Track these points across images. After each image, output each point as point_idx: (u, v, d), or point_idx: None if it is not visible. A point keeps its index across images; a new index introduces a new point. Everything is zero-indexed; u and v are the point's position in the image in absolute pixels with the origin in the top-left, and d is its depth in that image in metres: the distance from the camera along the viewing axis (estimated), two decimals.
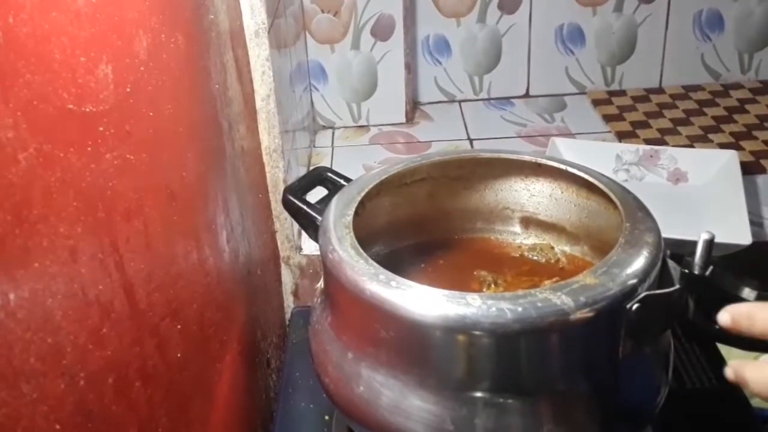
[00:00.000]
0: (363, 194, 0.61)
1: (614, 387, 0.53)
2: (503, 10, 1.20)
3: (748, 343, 0.47)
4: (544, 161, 0.66)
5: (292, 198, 0.65)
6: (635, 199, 0.59)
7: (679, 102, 1.21)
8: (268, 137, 0.82)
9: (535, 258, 0.68)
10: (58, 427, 0.36)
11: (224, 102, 0.68)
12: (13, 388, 0.33)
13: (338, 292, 0.56)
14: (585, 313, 0.48)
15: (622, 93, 1.25)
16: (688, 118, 1.17)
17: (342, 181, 0.67)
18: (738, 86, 1.24)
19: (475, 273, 0.65)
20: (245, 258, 0.74)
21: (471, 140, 1.16)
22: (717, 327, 0.50)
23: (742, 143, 1.09)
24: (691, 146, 1.09)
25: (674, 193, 0.98)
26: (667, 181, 1.00)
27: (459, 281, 0.64)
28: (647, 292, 0.50)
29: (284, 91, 0.88)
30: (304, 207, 0.64)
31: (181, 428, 0.54)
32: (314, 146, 1.16)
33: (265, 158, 0.83)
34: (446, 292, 0.50)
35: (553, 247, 0.69)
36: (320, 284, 0.62)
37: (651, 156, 1.01)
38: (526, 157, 0.67)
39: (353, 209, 0.59)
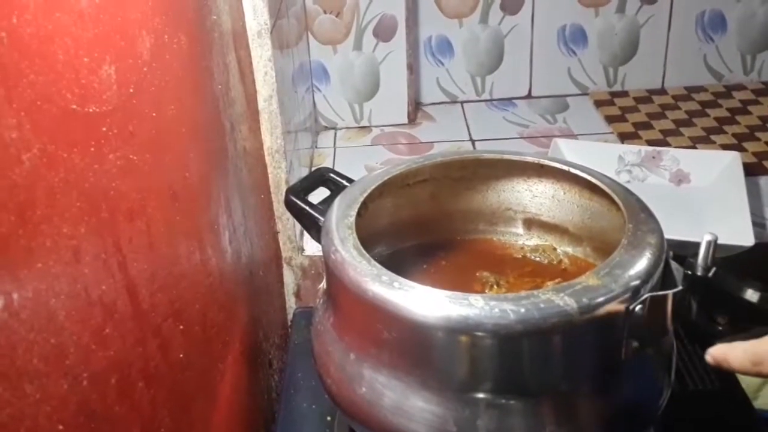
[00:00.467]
0: (365, 195, 0.61)
1: (617, 388, 0.53)
2: (506, 11, 1.20)
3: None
4: (546, 162, 0.66)
5: (294, 199, 0.65)
6: (638, 200, 0.59)
7: (682, 103, 1.21)
8: (270, 138, 0.82)
9: (538, 259, 0.68)
10: (61, 427, 0.36)
11: (227, 102, 0.69)
12: (16, 389, 0.33)
13: (340, 293, 0.56)
14: (588, 315, 0.48)
15: (624, 94, 1.24)
16: (690, 120, 1.17)
17: (344, 182, 0.67)
18: (741, 87, 1.24)
19: (477, 274, 0.65)
20: (247, 259, 0.74)
21: (473, 141, 1.16)
22: (720, 328, 0.50)
23: (745, 144, 1.09)
24: (694, 147, 1.09)
25: (676, 195, 0.98)
26: (669, 183, 1.00)
27: (461, 282, 0.64)
28: (650, 294, 0.50)
29: (286, 92, 0.88)
30: (307, 208, 0.64)
31: (184, 428, 0.54)
32: (316, 147, 1.16)
33: (267, 159, 0.83)
34: (449, 293, 0.50)
35: (555, 249, 0.69)
36: (322, 285, 0.62)
37: (653, 157, 1.01)
38: (529, 158, 0.67)
39: (356, 210, 0.59)
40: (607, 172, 0.64)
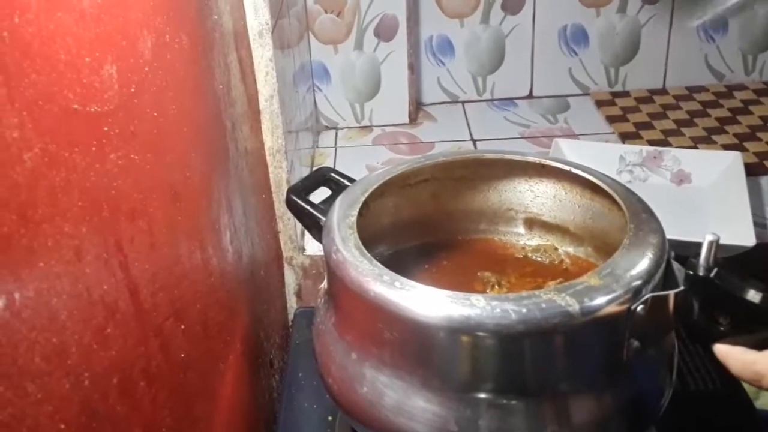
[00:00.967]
0: (367, 195, 0.61)
1: (618, 388, 0.53)
2: (507, 11, 1.20)
3: (753, 345, 0.47)
4: (548, 162, 0.66)
5: (295, 198, 0.65)
6: (639, 200, 0.59)
7: (683, 103, 1.21)
8: (271, 138, 0.82)
9: (539, 259, 0.68)
10: (62, 426, 0.36)
11: (228, 102, 0.69)
12: (18, 388, 0.33)
13: (342, 293, 0.56)
14: (589, 315, 0.48)
15: (625, 94, 1.24)
16: (691, 120, 1.17)
17: (346, 182, 0.67)
18: (742, 87, 1.24)
19: (478, 274, 0.65)
20: (248, 258, 0.74)
21: (474, 141, 1.16)
22: (721, 328, 0.50)
23: (746, 144, 1.09)
24: (695, 147, 1.09)
25: (678, 195, 0.98)
26: (670, 183, 1.00)
27: (462, 282, 0.64)
28: (651, 294, 0.50)
29: (287, 92, 0.88)
30: (308, 207, 0.64)
31: (185, 428, 0.54)
32: (317, 147, 1.16)
33: (268, 159, 0.83)
34: (450, 293, 0.50)
35: (557, 249, 0.69)
36: (324, 285, 0.62)
37: (654, 157, 1.01)
38: (531, 158, 0.67)
39: (357, 210, 0.59)
40: (608, 172, 0.64)
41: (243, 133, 0.74)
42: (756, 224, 0.86)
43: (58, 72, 0.37)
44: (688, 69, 1.24)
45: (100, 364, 0.40)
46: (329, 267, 0.57)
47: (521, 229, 0.71)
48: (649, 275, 0.51)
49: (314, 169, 0.89)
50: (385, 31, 1.14)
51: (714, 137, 1.12)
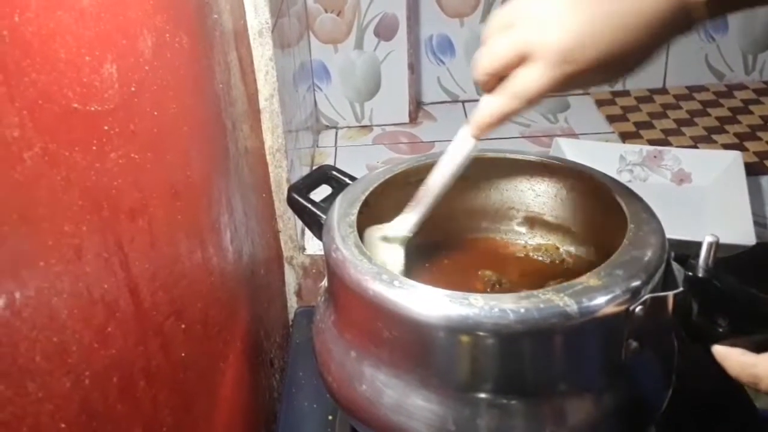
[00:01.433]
0: (367, 193, 0.61)
1: (617, 389, 0.53)
2: None
3: (752, 347, 0.47)
4: (549, 161, 0.66)
5: (296, 196, 0.65)
6: (640, 200, 0.59)
7: (683, 103, 1.21)
8: (271, 137, 0.82)
9: (540, 258, 0.68)
10: (63, 425, 0.36)
11: (228, 101, 0.69)
12: (18, 387, 0.33)
13: (341, 291, 0.56)
14: (588, 315, 0.48)
15: (626, 93, 1.24)
16: (692, 119, 1.17)
17: (347, 180, 0.67)
18: (742, 87, 1.24)
19: (479, 273, 0.65)
20: (249, 258, 0.74)
21: None
22: (720, 330, 0.50)
23: (746, 144, 1.09)
24: (695, 147, 1.09)
25: (678, 194, 0.98)
26: (670, 182, 1.00)
27: (463, 281, 0.64)
28: (651, 294, 0.50)
29: (287, 91, 0.88)
30: (309, 205, 0.64)
31: (185, 427, 0.54)
32: (317, 146, 1.16)
33: (268, 158, 0.83)
34: (449, 292, 0.50)
35: (558, 248, 0.69)
36: (324, 283, 0.62)
37: (655, 157, 1.01)
38: (532, 157, 0.67)
39: (357, 208, 0.59)
40: (608, 172, 0.64)
41: (243, 132, 0.74)
42: (756, 224, 0.86)
43: (58, 71, 0.37)
44: (688, 68, 1.24)
45: (101, 363, 0.40)
46: (329, 265, 0.57)
47: (522, 228, 0.71)
48: (648, 276, 0.51)
49: (316, 167, 0.89)
50: (385, 31, 1.14)
51: (714, 137, 1.12)
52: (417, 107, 1.24)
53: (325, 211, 0.62)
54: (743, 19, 1.21)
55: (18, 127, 0.33)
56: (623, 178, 0.99)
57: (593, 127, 1.17)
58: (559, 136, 1.12)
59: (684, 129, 1.14)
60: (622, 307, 0.49)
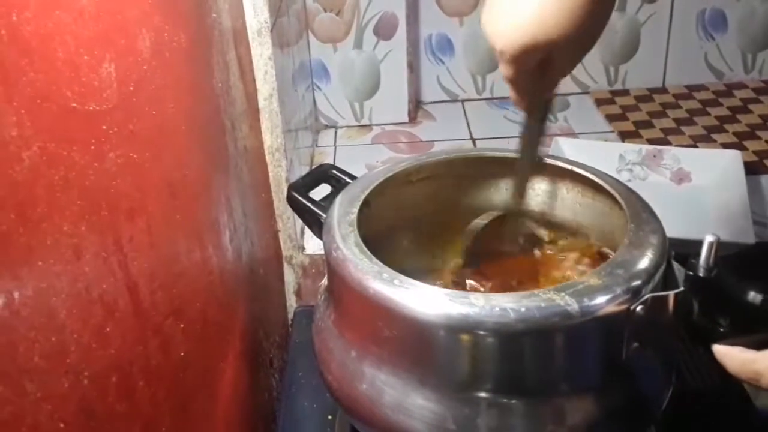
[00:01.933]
0: (367, 192, 0.61)
1: (617, 388, 0.53)
2: None
3: (752, 346, 0.47)
4: (549, 161, 0.66)
5: (296, 195, 0.65)
6: (640, 199, 0.59)
7: (683, 102, 1.21)
8: (270, 136, 0.82)
9: (539, 257, 0.68)
10: (62, 425, 0.36)
11: (227, 101, 0.68)
12: (17, 387, 0.33)
13: (342, 290, 0.56)
14: (588, 315, 0.48)
15: (625, 92, 1.24)
16: (691, 118, 1.17)
17: (347, 179, 0.67)
18: (741, 86, 1.24)
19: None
20: (248, 257, 0.74)
21: (474, 140, 1.16)
22: (721, 329, 0.50)
23: (746, 143, 1.09)
24: (695, 146, 1.09)
25: (677, 193, 0.98)
26: (670, 181, 1.00)
27: (463, 280, 0.64)
28: (651, 294, 0.50)
29: (287, 90, 0.88)
30: (309, 204, 0.64)
31: (184, 427, 0.54)
32: (317, 145, 1.16)
33: (267, 157, 0.83)
34: (449, 291, 0.50)
35: (557, 247, 0.69)
36: (324, 282, 0.62)
37: (654, 156, 1.01)
38: None
39: (357, 207, 0.59)
40: (608, 171, 0.64)
41: (242, 131, 0.74)
42: (755, 223, 0.86)
43: (57, 70, 0.37)
44: (687, 67, 1.24)
45: (100, 363, 0.40)
46: (329, 264, 0.56)
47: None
48: (648, 275, 0.51)
49: (316, 166, 0.89)
50: (384, 30, 1.14)
51: (714, 136, 1.12)
52: (416, 106, 1.24)
53: (325, 210, 0.62)
54: (742, 18, 1.21)
55: (16, 126, 0.33)
56: (623, 177, 0.99)
57: (592, 126, 1.17)
58: (559, 135, 1.12)
59: (683, 128, 1.14)
60: (623, 307, 0.49)
